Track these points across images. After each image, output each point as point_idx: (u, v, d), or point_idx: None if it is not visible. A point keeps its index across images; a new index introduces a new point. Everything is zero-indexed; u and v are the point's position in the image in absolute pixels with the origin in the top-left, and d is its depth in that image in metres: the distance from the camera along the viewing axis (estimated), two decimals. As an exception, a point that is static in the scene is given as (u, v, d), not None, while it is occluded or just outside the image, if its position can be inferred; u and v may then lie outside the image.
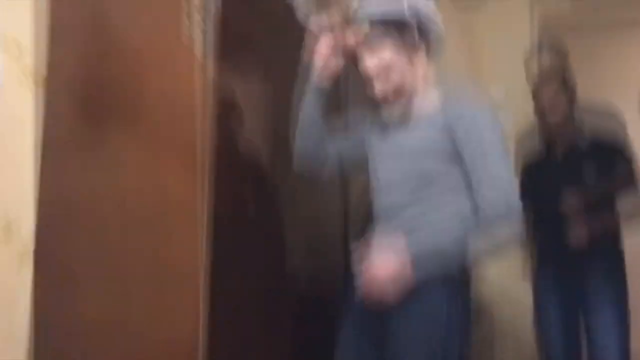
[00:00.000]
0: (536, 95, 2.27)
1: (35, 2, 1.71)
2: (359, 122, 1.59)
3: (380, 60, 1.41)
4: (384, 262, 1.30)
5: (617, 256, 2.25)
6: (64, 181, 1.70)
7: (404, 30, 1.41)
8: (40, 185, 1.72)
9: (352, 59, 1.48)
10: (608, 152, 2.24)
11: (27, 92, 1.70)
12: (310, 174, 1.64)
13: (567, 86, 2.24)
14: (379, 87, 1.43)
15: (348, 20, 1.48)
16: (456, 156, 1.39)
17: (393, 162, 1.46)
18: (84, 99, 1.68)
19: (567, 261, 2.21)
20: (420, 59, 1.45)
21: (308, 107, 1.52)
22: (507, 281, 2.61)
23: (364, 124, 1.57)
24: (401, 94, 1.45)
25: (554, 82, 2.24)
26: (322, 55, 1.48)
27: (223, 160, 1.53)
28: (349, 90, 1.94)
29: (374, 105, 1.52)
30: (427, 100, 1.46)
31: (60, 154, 1.71)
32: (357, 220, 2.10)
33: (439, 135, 1.40)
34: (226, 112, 1.60)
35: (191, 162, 1.52)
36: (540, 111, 2.26)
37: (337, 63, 1.49)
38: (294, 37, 1.58)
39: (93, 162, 1.65)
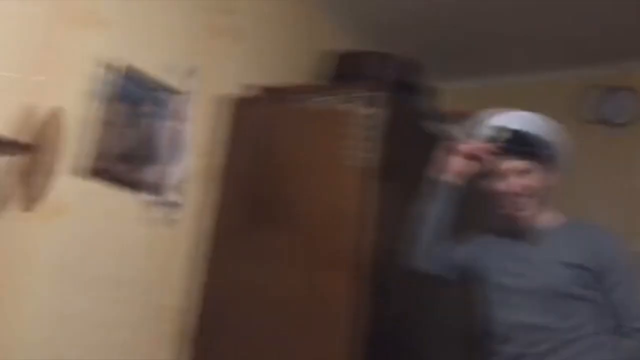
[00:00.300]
0: None
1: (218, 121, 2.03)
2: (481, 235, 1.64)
3: (526, 180, 1.55)
4: None
5: None
6: (226, 275, 1.88)
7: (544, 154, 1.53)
8: (206, 276, 1.91)
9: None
10: None
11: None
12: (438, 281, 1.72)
13: None
14: (519, 206, 1.55)
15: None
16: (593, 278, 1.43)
17: (525, 278, 1.49)
18: (254, 200, 1.91)
19: None
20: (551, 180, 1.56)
21: (436, 209, 1.57)
22: None
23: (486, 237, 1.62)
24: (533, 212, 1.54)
25: None
26: (461, 156, 1.57)
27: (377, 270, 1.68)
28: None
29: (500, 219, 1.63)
30: (550, 218, 1.54)
31: (225, 246, 1.90)
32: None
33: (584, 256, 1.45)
34: (381, 226, 1.73)
35: (344, 266, 1.68)
36: None
37: (472, 166, 1.56)
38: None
39: (251, 258, 1.84)
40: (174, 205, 1.80)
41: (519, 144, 1.52)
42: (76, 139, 1.54)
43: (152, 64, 1.76)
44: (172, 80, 1.82)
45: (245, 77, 2.09)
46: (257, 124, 1.99)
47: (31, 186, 1.37)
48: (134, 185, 1.69)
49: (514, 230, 1.55)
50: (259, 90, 2.06)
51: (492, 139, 1.53)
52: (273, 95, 2.01)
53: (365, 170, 1.72)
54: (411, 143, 1.86)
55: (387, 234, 1.70)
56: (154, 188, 1.75)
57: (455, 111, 1.92)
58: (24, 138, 1.38)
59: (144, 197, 1.73)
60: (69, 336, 1.54)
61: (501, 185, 1.51)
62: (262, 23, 2.20)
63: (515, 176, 1.51)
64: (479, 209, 1.60)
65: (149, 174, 1.74)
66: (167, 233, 1.80)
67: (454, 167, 1.54)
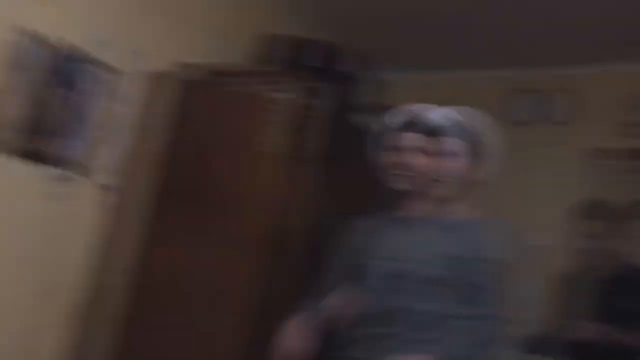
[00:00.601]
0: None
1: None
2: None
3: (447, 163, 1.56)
4: None
5: None
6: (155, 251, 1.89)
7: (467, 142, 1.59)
8: (136, 250, 1.91)
9: None
10: None
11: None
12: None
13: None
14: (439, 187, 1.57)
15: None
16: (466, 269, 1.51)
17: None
18: (184, 183, 1.91)
19: None
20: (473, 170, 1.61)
21: None
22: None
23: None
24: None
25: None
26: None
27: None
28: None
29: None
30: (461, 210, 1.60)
31: (158, 230, 1.90)
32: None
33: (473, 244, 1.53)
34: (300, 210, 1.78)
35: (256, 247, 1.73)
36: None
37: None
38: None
39: (183, 235, 1.85)
40: (106, 187, 1.78)
41: (424, 125, 1.57)
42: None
43: (89, 41, 1.72)
44: (109, 59, 1.78)
45: (185, 57, 2.05)
46: (189, 105, 1.98)
47: None
48: (40, 158, 1.65)
49: (399, 216, 1.60)
50: (198, 71, 2.05)
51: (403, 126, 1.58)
52: (209, 77, 1.99)
53: (283, 156, 1.76)
54: (339, 133, 1.88)
55: (305, 218, 1.75)
56: (64, 163, 1.71)
57: (379, 103, 1.96)
58: None
59: (53, 172, 1.69)
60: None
61: (394, 158, 1.57)
62: (205, 2, 2.17)
63: (416, 154, 1.56)
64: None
65: (64, 149, 1.70)
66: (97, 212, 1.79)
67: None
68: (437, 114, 1.61)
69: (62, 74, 1.66)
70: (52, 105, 1.66)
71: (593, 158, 2.73)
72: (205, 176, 1.87)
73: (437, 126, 1.59)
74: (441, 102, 1.62)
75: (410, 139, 1.56)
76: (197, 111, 1.97)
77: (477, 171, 1.63)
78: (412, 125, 1.58)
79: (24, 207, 1.65)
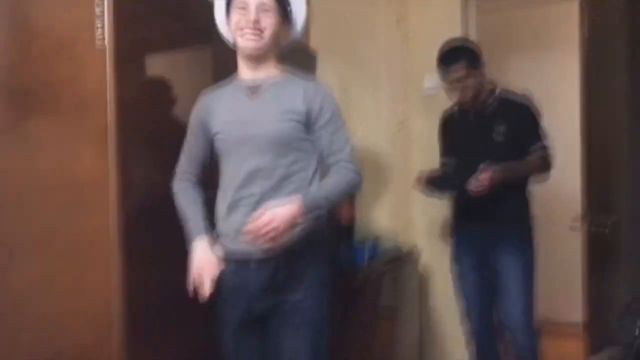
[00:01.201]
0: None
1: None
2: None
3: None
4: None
5: (526, 223, 2.52)
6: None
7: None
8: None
9: None
10: (515, 109, 2.46)
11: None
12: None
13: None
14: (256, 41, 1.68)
15: None
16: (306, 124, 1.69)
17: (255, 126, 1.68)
18: (7, 89, 1.88)
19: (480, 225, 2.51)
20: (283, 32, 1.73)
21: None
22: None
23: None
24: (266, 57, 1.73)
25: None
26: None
27: (128, 137, 1.75)
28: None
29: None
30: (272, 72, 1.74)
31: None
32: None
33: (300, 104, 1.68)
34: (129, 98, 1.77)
35: (101, 144, 1.74)
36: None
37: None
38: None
39: (16, 149, 1.85)
40: None
41: None
42: None
43: None
44: None
45: None
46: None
47: None
48: None
49: (247, 83, 1.72)
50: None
51: None
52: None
53: (108, 53, 1.71)
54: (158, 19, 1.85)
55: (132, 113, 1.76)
56: None
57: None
58: None
59: None
60: None
61: (240, 21, 1.67)
62: None
63: (257, 10, 1.66)
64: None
65: None
66: None
67: None
68: None
69: None
70: None
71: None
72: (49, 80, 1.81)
73: None
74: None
75: None
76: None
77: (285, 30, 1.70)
78: None
79: None
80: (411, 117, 3.04)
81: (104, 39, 1.71)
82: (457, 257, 2.64)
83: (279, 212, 1.56)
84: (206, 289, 1.67)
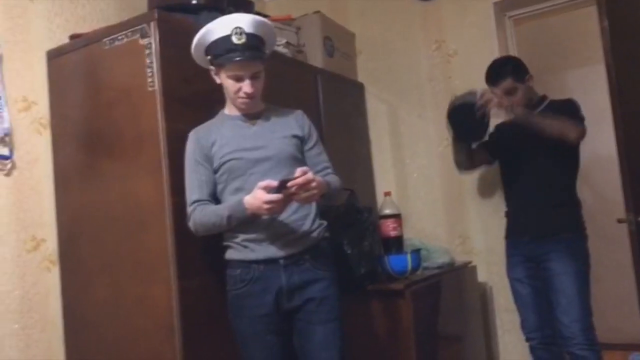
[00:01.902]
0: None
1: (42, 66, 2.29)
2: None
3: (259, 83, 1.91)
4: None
5: (578, 229, 2.48)
6: (72, 202, 2.23)
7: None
8: (56, 207, 2.28)
9: None
10: (559, 105, 2.49)
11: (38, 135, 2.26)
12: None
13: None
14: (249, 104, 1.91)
15: None
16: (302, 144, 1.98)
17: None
18: (84, 135, 2.21)
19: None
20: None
21: None
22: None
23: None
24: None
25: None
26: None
27: (178, 166, 1.97)
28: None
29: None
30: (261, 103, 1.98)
31: (67, 181, 2.25)
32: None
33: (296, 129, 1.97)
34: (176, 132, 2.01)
35: (157, 173, 2.01)
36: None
37: None
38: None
39: (89, 185, 2.17)
40: (3, 157, 2.11)
41: (255, 49, 1.83)
42: None
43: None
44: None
45: (55, 29, 2.35)
46: (73, 69, 2.25)
47: None
48: None
49: (243, 116, 1.96)
50: (69, 39, 2.32)
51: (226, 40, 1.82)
52: (83, 41, 2.25)
53: (157, 95, 1.99)
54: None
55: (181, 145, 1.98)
56: None
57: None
58: None
59: None
60: None
61: (235, 87, 1.88)
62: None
63: (250, 79, 1.85)
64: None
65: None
66: (5, 181, 2.12)
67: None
68: (256, 31, 1.87)
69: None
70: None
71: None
72: (112, 124, 2.12)
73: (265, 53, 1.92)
74: None
75: (249, 67, 1.85)
76: (79, 71, 2.23)
77: None
78: (250, 49, 1.83)
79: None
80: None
81: (154, 83, 2.00)
82: (510, 269, 2.63)
83: (316, 177, 1.78)
84: (272, 196, 1.74)
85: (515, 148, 2.57)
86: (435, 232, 3.16)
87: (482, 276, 3.06)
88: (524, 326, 2.60)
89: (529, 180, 2.55)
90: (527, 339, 2.60)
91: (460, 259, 3.03)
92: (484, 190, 3.09)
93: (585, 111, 2.46)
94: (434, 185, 3.22)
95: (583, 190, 2.52)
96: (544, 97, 2.58)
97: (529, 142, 2.49)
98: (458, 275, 2.92)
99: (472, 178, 3.11)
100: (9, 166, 2.13)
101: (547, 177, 2.51)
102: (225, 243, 1.94)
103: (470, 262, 3.04)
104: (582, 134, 2.38)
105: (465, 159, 2.72)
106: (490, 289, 3.08)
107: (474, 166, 2.81)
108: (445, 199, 3.20)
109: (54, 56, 2.29)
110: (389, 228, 2.63)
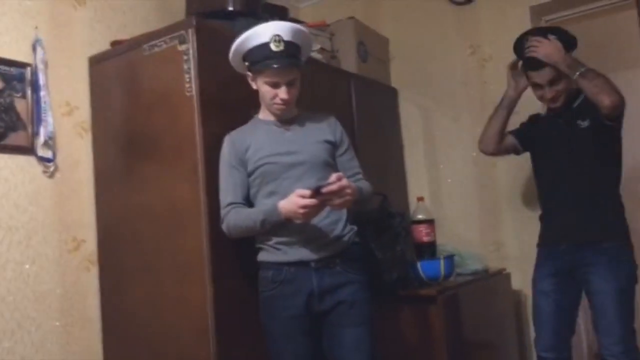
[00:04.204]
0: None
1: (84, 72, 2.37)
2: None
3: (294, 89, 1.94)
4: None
5: (621, 236, 2.26)
6: (112, 204, 2.30)
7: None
8: (96, 208, 2.35)
9: None
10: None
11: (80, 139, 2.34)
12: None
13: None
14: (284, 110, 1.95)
15: None
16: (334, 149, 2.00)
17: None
18: (124, 138, 2.27)
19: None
20: None
21: None
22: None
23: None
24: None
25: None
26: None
27: (214, 170, 2.01)
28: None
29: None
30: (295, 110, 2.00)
31: (107, 184, 2.32)
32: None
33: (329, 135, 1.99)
34: (213, 137, 2.04)
35: (194, 177, 2.06)
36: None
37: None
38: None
39: (128, 187, 2.23)
40: (47, 160, 2.18)
41: (292, 56, 1.86)
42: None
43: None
44: (19, 55, 2.15)
45: (97, 35, 2.43)
46: (113, 75, 2.32)
47: None
48: (6, 150, 2.08)
49: (277, 122, 1.99)
50: (110, 45, 2.39)
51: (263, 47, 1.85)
52: (123, 47, 2.31)
53: (195, 100, 2.04)
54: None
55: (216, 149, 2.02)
56: (26, 150, 2.13)
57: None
58: None
59: (19, 159, 2.12)
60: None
61: (271, 93, 1.91)
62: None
63: (286, 86, 1.88)
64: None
65: (17, 139, 2.11)
66: (48, 183, 2.20)
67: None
68: (295, 39, 1.89)
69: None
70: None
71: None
72: (150, 128, 2.17)
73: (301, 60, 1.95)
74: None
75: (286, 74, 1.88)
76: (119, 77, 2.30)
77: None
78: (287, 56, 1.85)
79: (17, 188, 2.11)
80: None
81: (191, 88, 2.05)
82: (537, 280, 2.42)
83: (350, 183, 1.81)
84: (308, 201, 1.75)
85: (555, 143, 2.37)
86: (469, 238, 3.13)
87: (516, 284, 3.01)
88: (537, 342, 2.39)
89: (569, 179, 2.32)
90: (539, 358, 2.39)
91: (494, 265, 2.99)
92: (520, 195, 3.05)
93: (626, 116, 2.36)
94: (468, 190, 3.19)
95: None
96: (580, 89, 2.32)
97: (569, 136, 2.32)
98: (492, 282, 2.88)
99: (507, 183, 3.07)
100: (52, 169, 2.20)
101: (590, 176, 2.29)
102: (258, 245, 1.97)
103: (504, 269, 3.00)
104: (618, 103, 2.13)
105: (496, 136, 2.51)
106: (525, 297, 3.03)
107: (501, 150, 2.59)
108: (479, 205, 3.17)
109: (96, 62, 2.37)
110: (422, 233, 2.62)
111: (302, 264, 1.87)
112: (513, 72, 2.49)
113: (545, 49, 2.27)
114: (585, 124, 2.30)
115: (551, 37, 2.29)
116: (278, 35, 1.84)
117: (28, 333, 2.08)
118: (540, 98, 2.39)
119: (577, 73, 2.20)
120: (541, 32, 2.38)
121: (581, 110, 2.33)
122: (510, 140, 2.57)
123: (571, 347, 2.38)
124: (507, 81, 2.53)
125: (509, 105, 2.51)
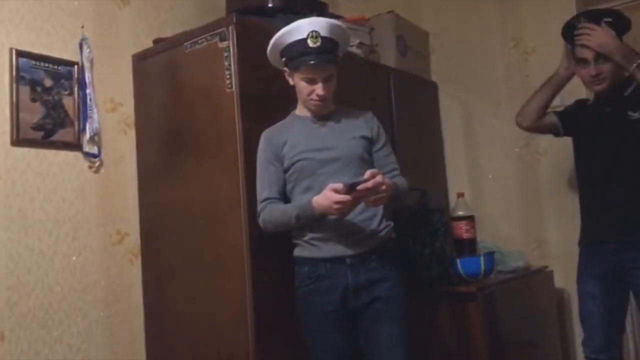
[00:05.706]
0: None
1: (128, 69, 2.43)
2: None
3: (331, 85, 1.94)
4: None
5: None
6: (154, 198, 2.35)
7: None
8: (139, 203, 2.40)
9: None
10: None
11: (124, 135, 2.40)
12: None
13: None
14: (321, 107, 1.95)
15: None
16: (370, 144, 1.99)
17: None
18: (166, 134, 2.32)
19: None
20: None
21: None
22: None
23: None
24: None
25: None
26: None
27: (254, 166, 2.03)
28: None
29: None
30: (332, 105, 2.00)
31: (150, 179, 2.37)
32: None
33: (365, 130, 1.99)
34: (253, 133, 2.06)
35: (234, 172, 2.08)
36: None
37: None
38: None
39: (170, 182, 2.28)
40: (93, 155, 2.25)
41: (329, 52, 1.86)
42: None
43: (42, 45, 2.16)
44: (67, 54, 2.22)
45: (140, 34, 2.48)
46: (156, 72, 2.37)
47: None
48: (54, 146, 2.15)
49: (314, 117, 1.99)
50: (153, 43, 2.44)
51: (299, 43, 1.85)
52: (165, 45, 2.36)
53: (235, 96, 2.06)
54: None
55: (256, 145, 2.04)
56: (73, 146, 2.20)
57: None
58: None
59: (66, 154, 2.19)
60: (26, 266, 2.06)
61: (307, 89, 1.91)
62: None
63: (323, 82, 1.88)
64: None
65: (65, 135, 2.18)
66: (94, 178, 2.27)
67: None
68: (332, 34, 1.89)
69: (41, 78, 2.12)
70: (47, 105, 2.13)
71: None
72: (192, 124, 2.22)
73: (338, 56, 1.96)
74: None
75: (323, 70, 1.89)
76: (161, 74, 2.35)
77: None
78: (324, 52, 1.86)
79: (64, 183, 2.18)
80: (536, 135, 3.02)
81: (232, 84, 2.07)
82: (582, 282, 2.32)
83: (385, 180, 1.79)
84: (342, 197, 1.75)
85: (603, 134, 2.25)
86: (510, 234, 3.08)
87: (559, 282, 2.95)
88: (587, 344, 2.29)
89: (617, 174, 2.20)
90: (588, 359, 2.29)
91: (535, 263, 2.94)
92: (563, 191, 2.97)
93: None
94: (509, 186, 3.13)
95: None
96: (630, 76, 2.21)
97: (619, 128, 2.21)
98: (533, 280, 2.83)
99: (549, 178, 3.00)
100: (97, 164, 2.27)
101: None
102: (294, 241, 1.98)
103: (546, 267, 2.93)
104: None
105: (537, 111, 2.42)
106: (568, 295, 2.96)
107: (537, 127, 2.50)
108: (521, 201, 3.11)
109: (139, 60, 2.42)
110: (462, 230, 2.59)
111: (337, 259, 1.88)
112: (568, 52, 2.36)
113: (599, 37, 2.16)
114: (636, 115, 2.18)
115: (605, 22, 2.17)
116: (315, 31, 1.84)
117: (75, 323, 2.16)
118: (584, 79, 2.26)
119: (635, 65, 2.11)
120: (594, 15, 2.24)
121: (633, 100, 2.20)
122: (552, 119, 2.46)
123: (622, 347, 2.30)
124: (561, 59, 2.41)
125: (557, 83, 2.41)
